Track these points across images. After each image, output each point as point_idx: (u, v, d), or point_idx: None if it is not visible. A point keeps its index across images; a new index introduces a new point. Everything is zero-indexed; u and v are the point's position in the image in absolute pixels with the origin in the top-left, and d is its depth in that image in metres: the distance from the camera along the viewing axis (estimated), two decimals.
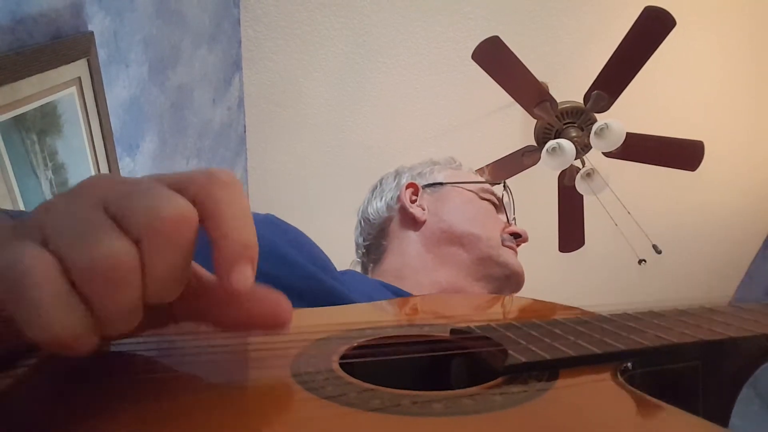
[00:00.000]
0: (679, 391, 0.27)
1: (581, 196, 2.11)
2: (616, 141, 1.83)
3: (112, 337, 0.21)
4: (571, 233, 2.27)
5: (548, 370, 0.25)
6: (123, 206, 0.21)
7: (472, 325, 0.32)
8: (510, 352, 0.26)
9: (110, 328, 0.21)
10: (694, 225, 2.73)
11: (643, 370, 0.26)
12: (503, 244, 0.70)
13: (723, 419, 0.27)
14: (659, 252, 2.02)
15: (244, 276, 0.23)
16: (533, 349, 0.27)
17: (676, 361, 0.26)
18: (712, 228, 2.75)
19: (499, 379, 0.25)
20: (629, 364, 0.26)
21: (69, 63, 1.00)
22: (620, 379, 0.24)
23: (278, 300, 0.25)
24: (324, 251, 0.55)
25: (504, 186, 0.80)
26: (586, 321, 0.32)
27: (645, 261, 2.17)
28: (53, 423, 0.21)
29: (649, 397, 0.22)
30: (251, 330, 0.26)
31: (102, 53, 1.13)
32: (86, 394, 0.23)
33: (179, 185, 0.23)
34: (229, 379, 0.25)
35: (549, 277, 2.81)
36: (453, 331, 0.32)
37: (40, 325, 0.19)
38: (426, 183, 0.78)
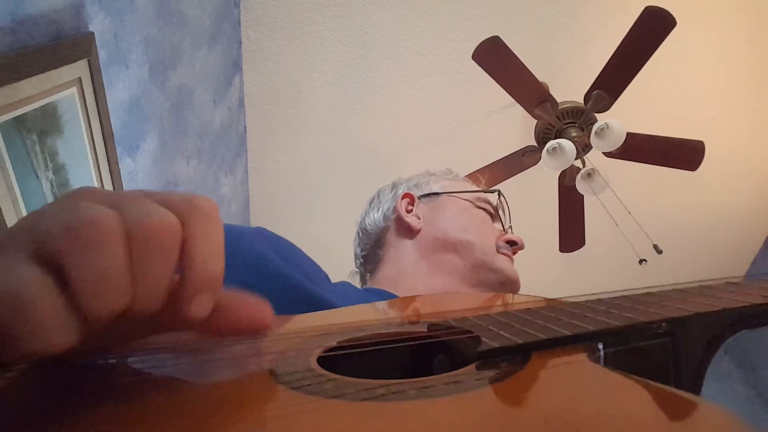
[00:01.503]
0: (650, 368, 0.27)
1: (582, 196, 2.11)
2: (617, 141, 1.83)
3: (101, 319, 0.21)
4: (571, 233, 2.28)
5: (520, 353, 0.26)
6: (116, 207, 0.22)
7: (448, 318, 0.33)
8: (482, 338, 0.27)
9: (98, 305, 0.21)
10: (694, 225, 2.73)
11: (614, 350, 0.26)
12: (498, 252, 0.71)
13: (694, 390, 0.27)
14: (660, 252, 2.02)
15: (202, 308, 0.24)
16: (504, 334, 0.28)
17: (645, 339, 0.27)
18: (713, 228, 2.75)
19: (472, 365, 0.25)
20: (600, 345, 0.26)
21: (69, 63, 1.00)
22: (591, 359, 0.25)
23: (258, 305, 0.27)
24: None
25: (499, 195, 0.81)
26: (556, 307, 0.33)
27: (646, 261, 2.17)
28: (41, 425, 0.21)
29: (618, 372, 0.23)
30: (233, 335, 0.26)
31: (102, 54, 1.13)
32: (70, 399, 0.23)
33: (163, 204, 0.24)
34: (209, 383, 0.26)
35: (549, 277, 2.81)
36: (430, 326, 0.32)
37: (41, 338, 0.20)
38: (422, 193, 0.79)
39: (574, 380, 0.23)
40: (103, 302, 0.21)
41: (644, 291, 0.34)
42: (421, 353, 0.32)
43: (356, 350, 0.29)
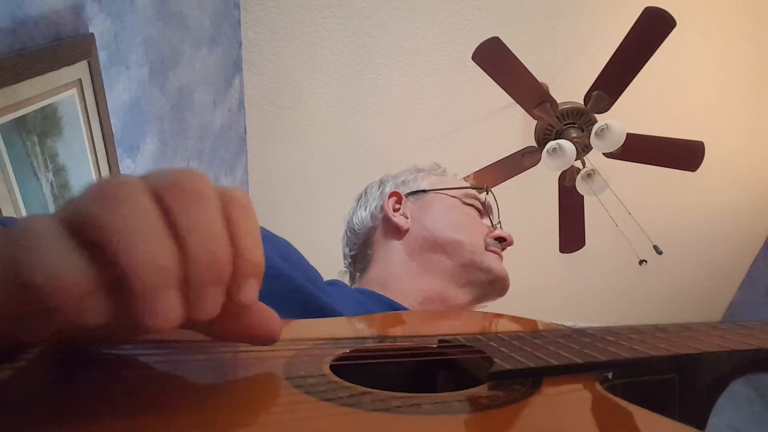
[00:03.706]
0: (656, 402, 0.28)
1: (582, 197, 2.11)
2: (617, 141, 1.83)
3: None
4: (571, 234, 2.27)
5: (531, 377, 0.26)
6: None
7: (459, 336, 0.33)
8: (495, 360, 0.27)
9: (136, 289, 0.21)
10: (694, 225, 2.73)
11: (623, 381, 0.27)
12: (487, 249, 0.70)
13: (698, 428, 0.28)
14: (660, 252, 2.02)
15: (252, 292, 0.25)
16: (517, 357, 0.28)
17: (653, 373, 0.28)
18: (713, 228, 2.75)
19: (484, 385, 0.26)
20: (609, 375, 0.27)
21: (70, 65, 1.00)
22: (600, 387, 0.25)
23: (270, 315, 0.27)
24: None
25: (487, 191, 0.80)
26: (567, 334, 0.33)
27: (646, 261, 2.17)
28: (51, 416, 0.21)
29: (625, 402, 0.23)
30: (242, 341, 0.27)
31: (102, 55, 1.13)
32: (82, 391, 0.23)
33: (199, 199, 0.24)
34: (220, 381, 0.26)
35: (550, 278, 2.81)
36: (440, 342, 0.33)
37: (77, 310, 0.20)
38: (409, 191, 0.79)
39: (583, 409, 0.24)
40: (161, 319, 0.21)
41: (654, 325, 0.34)
42: (425, 366, 0.32)
43: (370, 361, 0.29)
